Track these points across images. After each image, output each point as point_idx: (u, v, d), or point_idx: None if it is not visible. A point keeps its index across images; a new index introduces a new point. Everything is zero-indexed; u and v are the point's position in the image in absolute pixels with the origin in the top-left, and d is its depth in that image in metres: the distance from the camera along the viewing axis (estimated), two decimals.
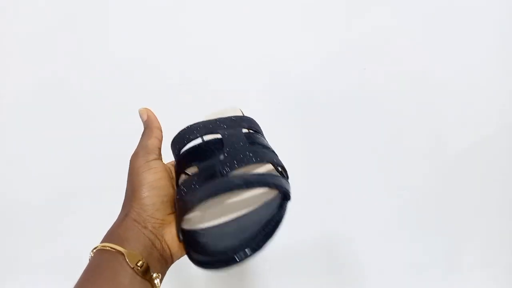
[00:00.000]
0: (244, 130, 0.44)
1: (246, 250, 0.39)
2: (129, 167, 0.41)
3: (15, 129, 0.77)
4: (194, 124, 0.43)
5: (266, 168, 0.43)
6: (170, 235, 0.40)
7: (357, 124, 0.78)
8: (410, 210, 0.83)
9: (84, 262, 0.37)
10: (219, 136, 0.42)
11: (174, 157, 0.44)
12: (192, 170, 0.42)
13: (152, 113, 0.45)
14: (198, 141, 0.45)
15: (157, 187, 0.40)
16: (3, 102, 0.76)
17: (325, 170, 0.80)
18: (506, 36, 0.77)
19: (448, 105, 0.79)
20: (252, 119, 0.47)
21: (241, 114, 0.47)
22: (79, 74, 0.75)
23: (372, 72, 0.76)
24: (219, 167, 0.38)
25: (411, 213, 0.83)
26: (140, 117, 0.45)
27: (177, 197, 0.39)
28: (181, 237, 0.39)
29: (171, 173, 0.44)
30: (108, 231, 0.39)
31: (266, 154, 0.40)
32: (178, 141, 0.43)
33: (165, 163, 0.45)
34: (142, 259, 0.36)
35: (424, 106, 0.79)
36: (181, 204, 0.38)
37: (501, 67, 0.78)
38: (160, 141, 0.43)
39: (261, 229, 0.41)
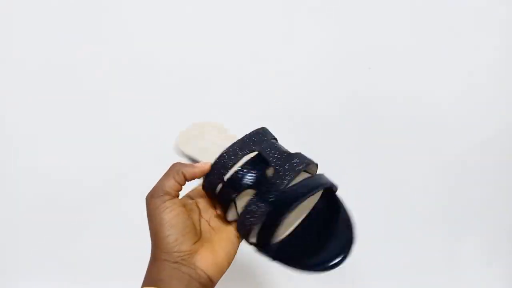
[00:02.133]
0: (273, 141, 0.47)
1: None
2: (147, 208, 0.44)
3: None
4: (226, 150, 0.44)
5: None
6: (202, 261, 0.43)
7: (358, 123, 0.78)
8: (411, 209, 0.83)
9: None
10: (250, 155, 0.45)
11: (213, 189, 0.45)
12: (246, 194, 0.44)
13: (201, 167, 0.46)
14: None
15: (175, 224, 0.42)
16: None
17: (326, 169, 0.80)
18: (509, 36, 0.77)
19: (451, 105, 0.79)
20: (265, 129, 0.48)
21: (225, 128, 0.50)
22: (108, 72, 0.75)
23: (377, 71, 0.76)
24: (276, 184, 0.42)
25: (412, 212, 0.83)
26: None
27: (244, 221, 0.43)
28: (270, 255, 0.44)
29: (190, 203, 0.48)
30: (145, 274, 0.43)
31: (304, 158, 0.45)
32: (217, 173, 0.44)
33: (185, 194, 0.48)
34: None
35: (427, 106, 0.78)
36: (258, 227, 0.43)
37: (504, 66, 0.78)
38: (181, 185, 0.45)
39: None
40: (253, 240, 0.44)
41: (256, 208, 0.42)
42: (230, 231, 0.46)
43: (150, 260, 0.43)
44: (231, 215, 0.45)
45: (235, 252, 0.46)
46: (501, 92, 0.79)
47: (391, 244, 0.84)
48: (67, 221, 0.80)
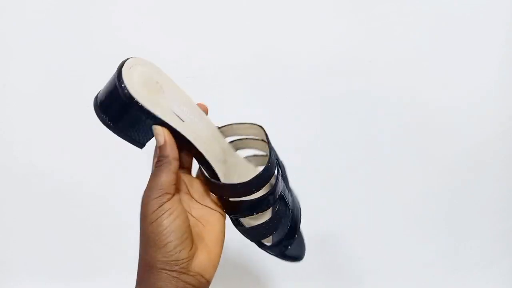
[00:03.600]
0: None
1: None
2: (142, 209, 0.39)
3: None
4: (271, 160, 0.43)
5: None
6: (200, 265, 0.40)
7: (361, 120, 0.78)
8: (412, 210, 0.83)
9: None
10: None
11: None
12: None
13: (170, 137, 0.40)
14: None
15: (174, 230, 0.38)
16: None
17: (328, 168, 0.80)
18: None
19: (454, 103, 0.78)
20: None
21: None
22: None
23: (377, 65, 0.75)
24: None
25: (413, 213, 0.83)
26: (156, 137, 0.40)
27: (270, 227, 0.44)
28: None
29: (188, 191, 0.44)
30: (138, 280, 0.39)
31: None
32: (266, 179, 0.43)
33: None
34: None
35: (430, 103, 0.78)
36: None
37: (507, 65, 0.77)
38: (178, 175, 0.41)
39: None
40: (269, 243, 0.45)
41: (284, 216, 0.44)
42: (216, 219, 0.43)
43: (142, 265, 0.39)
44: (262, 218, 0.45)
45: (224, 240, 0.43)
46: (505, 92, 0.78)
47: (392, 245, 0.84)
48: (66, 221, 0.79)
